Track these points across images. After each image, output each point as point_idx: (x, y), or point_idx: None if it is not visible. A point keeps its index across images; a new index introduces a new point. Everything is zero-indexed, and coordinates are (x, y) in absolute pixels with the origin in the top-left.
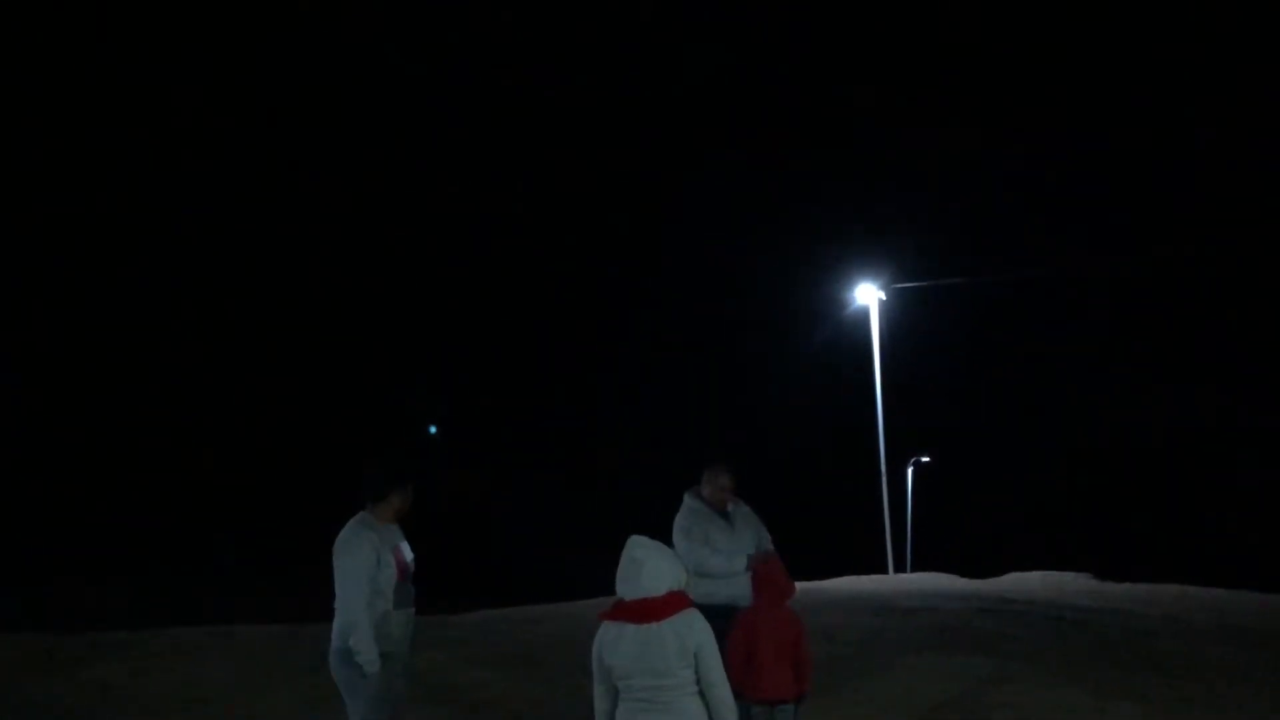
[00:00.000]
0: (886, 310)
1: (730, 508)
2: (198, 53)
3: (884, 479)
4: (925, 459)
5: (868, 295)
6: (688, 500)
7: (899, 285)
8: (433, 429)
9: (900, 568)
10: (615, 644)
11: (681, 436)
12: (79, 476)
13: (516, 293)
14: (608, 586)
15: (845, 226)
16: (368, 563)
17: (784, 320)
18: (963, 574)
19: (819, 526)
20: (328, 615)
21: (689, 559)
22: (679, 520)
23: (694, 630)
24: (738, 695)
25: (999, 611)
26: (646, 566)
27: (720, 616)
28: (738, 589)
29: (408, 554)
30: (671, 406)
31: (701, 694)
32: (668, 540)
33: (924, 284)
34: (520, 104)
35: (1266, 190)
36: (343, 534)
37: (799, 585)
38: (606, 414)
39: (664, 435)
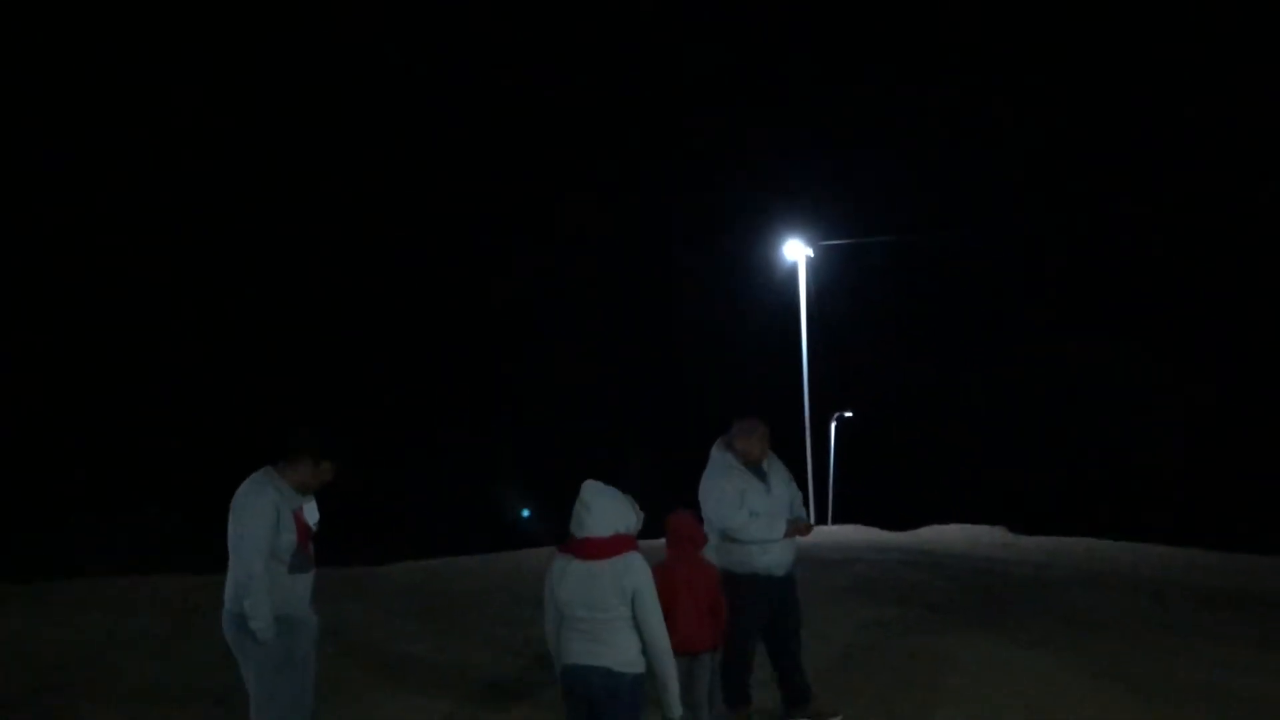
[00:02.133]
0: (814, 267)
1: (765, 464)
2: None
3: (808, 434)
4: (848, 415)
5: (796, 252)
6: (718, 455)
7: (827, 242)
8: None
9: (822, 521)
10: (562, 577)
11: (610, 391)
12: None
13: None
14: (534, 540)
15: (774, 183)
16: (266, 523)
17: (712, 275)
18: (883, 527)
19: None
20: None
21: (722, 523)
22: (710, 478)
23: (632, 571)
24: None
25: (916, 563)
26: (594, 509)
27: (754, 586)
28: (774, 556)
29: (312, 515)
30: (599, 362)
31: (635, 629)
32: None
33: (851, 241)
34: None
35: (1197, 148)
36: (242, 489)
37: None
38: (534, 368)
39: (593, 389)
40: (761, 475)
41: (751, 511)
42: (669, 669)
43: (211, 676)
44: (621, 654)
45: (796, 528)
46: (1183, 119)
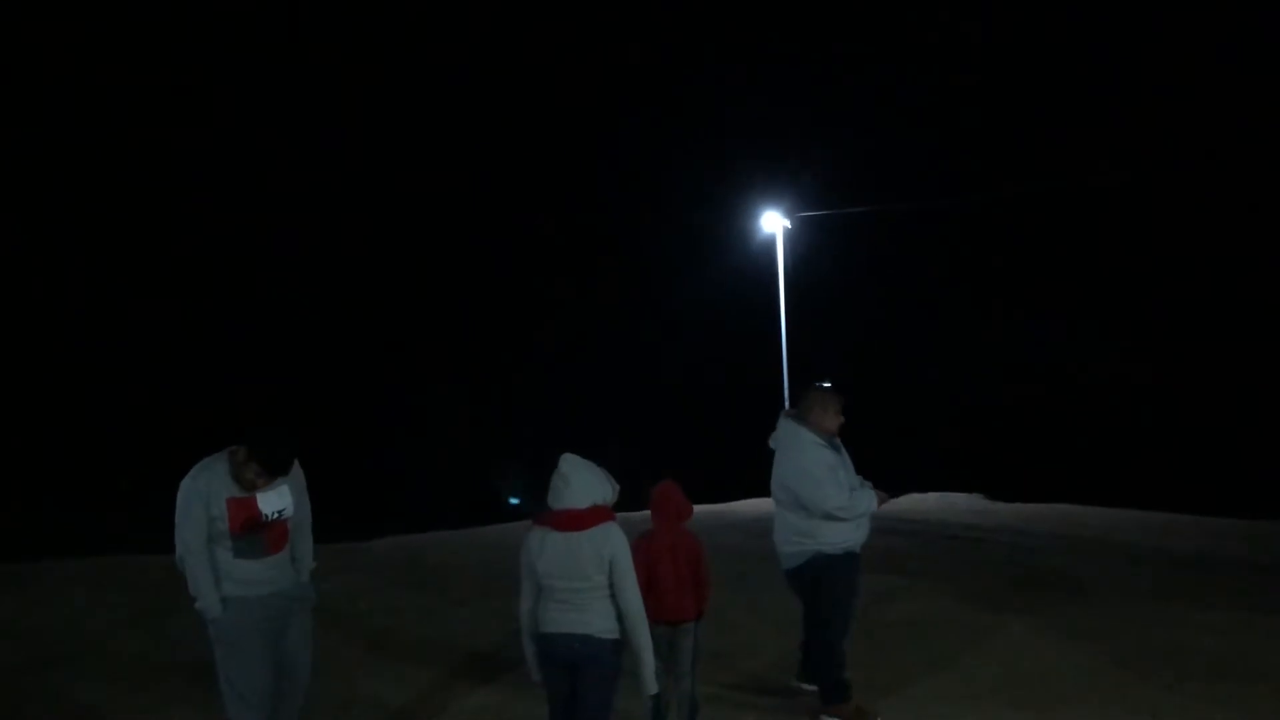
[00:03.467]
0: (792, 238)
1: (836, 439)
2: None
3: (787, 404)
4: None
5: (773, 223)
6: (794, 429)
7: (804, 214)
8: None
9: None
10: (541, 548)
11: (587, 364)
12: None
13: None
14: (514, 514)
15: (752, 154)
16: (193, 506)
17: (690, 246)
18: None
19: (724, 450)
20: None
21: (826, 504)
22: (797, 457)
23: (610, 541)
24: None
25: (895, 531)
26: (572, 481)
27: (850, 564)
28: (864, 531)
29: (271, 505)
30: (576, 335)
31: (613, 597)
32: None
33: (829, 213)
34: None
35: (1166, 127)
36: (188, 474)
37: (706, 508)
38: (511, 342)
39: (570, 363)
40: (837, 448)
41: (851, 488)
42: (645, 639)
43: (193, 650)
44: (601, 621)
45: (884, 497)
46: (1168, 94)
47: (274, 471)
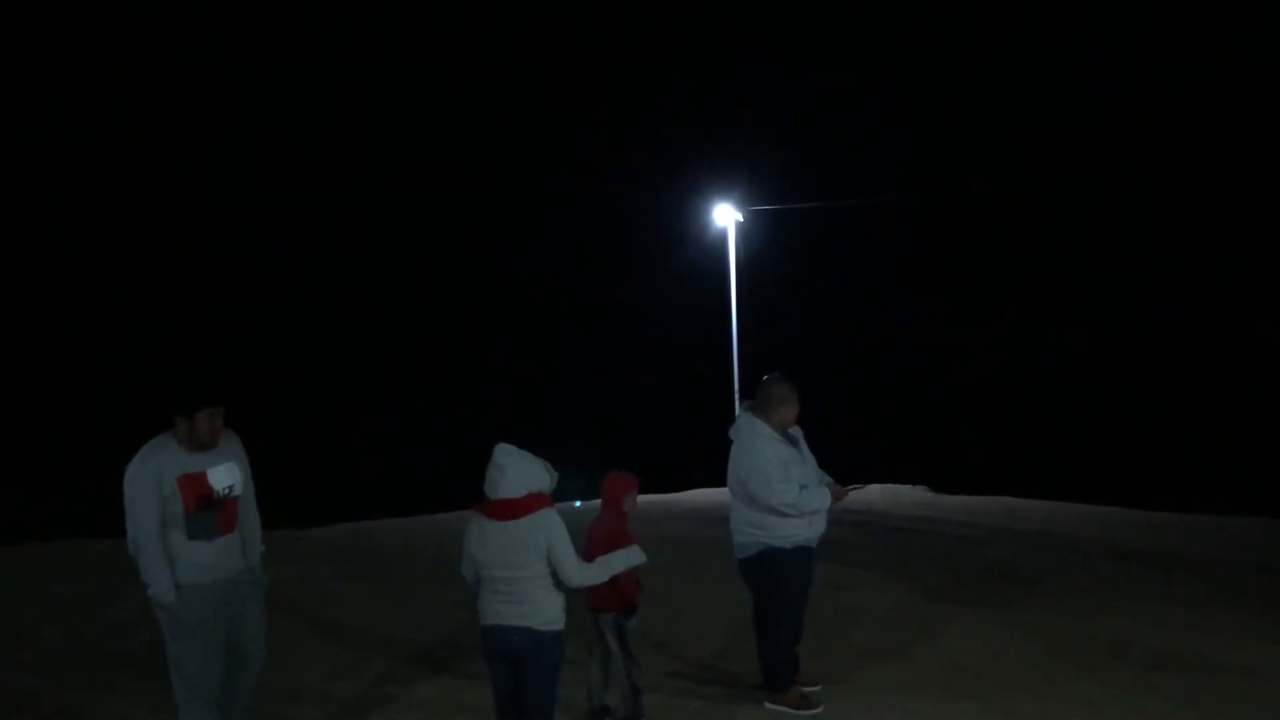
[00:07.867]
0: (744, 232)
1: (792, 430)
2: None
3: (737, 397)
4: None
5: (726, 217)
6: (749, 423)
7: (756, 208)
8: None
9: None
10: (480, 537)
11: (538, 356)
12: None
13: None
14: (461, 501)
15: (704, 148)
16: (146, 490)
17: (641, 240)
18: None
19: (673, 442)
20: None
21: (773, 499)
22: (748, 451)
23: (548, 527)
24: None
25: (840, 522)
26: (508, 471)
27: (800, 559)
28: (817, 526)
29: (223, 479)
30: (527, 326)
31: (555, 586)
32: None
33: (781, 207)
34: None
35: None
36: (134, 458)
37: (656, 497)
38: (462, 334)
39: (520, 355)
40: (793, 442)
41: (801, 485)
42: (601, 574)
43: (134, 640)
44: (542, 613)
45: (841, 493)
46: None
47: (198, 403)
